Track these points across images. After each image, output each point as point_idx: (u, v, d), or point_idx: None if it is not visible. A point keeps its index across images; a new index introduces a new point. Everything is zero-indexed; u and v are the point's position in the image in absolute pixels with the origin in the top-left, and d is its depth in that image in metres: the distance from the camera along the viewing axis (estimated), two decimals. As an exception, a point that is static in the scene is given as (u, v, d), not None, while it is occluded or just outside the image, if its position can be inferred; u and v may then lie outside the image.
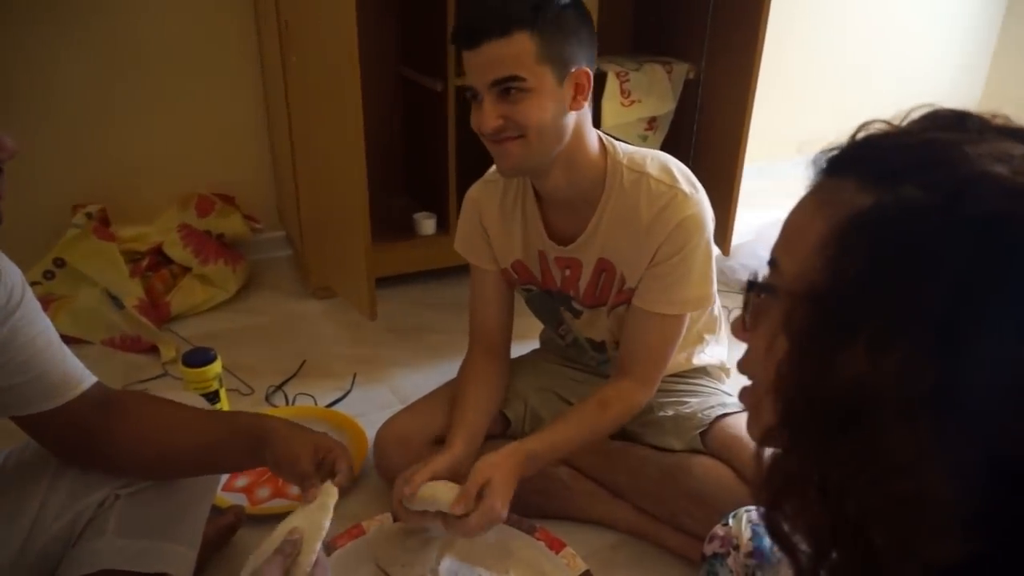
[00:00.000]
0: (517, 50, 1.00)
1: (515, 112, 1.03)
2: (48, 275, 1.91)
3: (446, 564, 1.16)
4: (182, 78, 2.15)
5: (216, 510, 1.17)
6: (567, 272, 1.23)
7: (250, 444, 0.97)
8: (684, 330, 1.19)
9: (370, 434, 1.47)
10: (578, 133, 1.10)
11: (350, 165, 1.72)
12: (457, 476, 1.10)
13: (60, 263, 1.90)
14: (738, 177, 2.20)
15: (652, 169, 1.13)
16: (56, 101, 2.01)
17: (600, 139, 1.15)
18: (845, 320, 0.43)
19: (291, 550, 0.82)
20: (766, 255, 1.79)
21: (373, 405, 1.65)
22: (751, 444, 1.12)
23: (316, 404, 1.65)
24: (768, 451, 0.51)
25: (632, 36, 2.54)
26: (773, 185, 3.19)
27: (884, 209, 0.43)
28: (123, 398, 0.99)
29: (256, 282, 2.21)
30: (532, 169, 1.12)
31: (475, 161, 1.83)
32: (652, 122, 2.27)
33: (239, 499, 1.33)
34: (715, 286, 1.18)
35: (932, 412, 0.40)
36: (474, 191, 1.29)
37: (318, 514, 0.86)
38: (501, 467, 1.07)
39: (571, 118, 1.07)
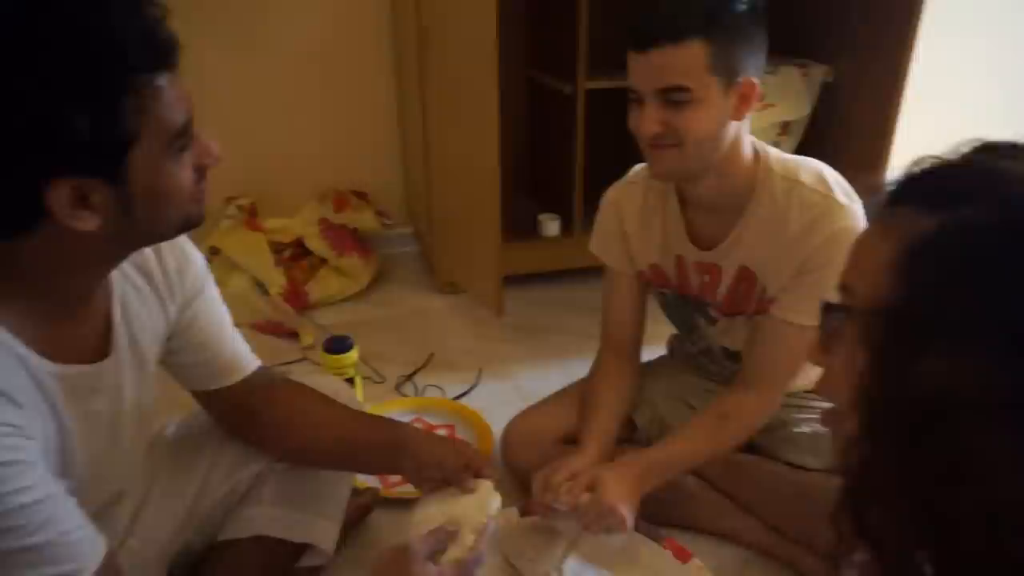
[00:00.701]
0: (687, 59, 0.98)
1: (676, 120, 1.01)
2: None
3: (571, 563, 1.17)
4: (323, 80, 2.28)
5: (353, 491, 1.23)
6: (706, 278, 1.21)
7: (388, 452, 1.02)
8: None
9: (495, 428, 1.51)
10: (735, 141, 1.07)
11: (484, 166, 1.77)
12: (569, 460, 1.12)
13: (215, 251, 2.05)
14: (881, 188, 2.09)
15: (806, 178, 1.09)
16: (211, 102, 2.16)
17: (753, 145, 1.13)
18: (921, 330, 0.46)
19: (443, 537, 0.86)
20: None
21: (497, 401, 1.68)
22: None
23: (444, 396, 1.71)
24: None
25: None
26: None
27: (948, 229, 0.47)
28: (279, 387, 1.06)
29: (385, 276, 2.31)
30: (684, 176, 1.11)
31: (602, 164, 1.84)
32: (785, 127, 2.19)
33: (373, 482, 1.40)
34: None
35: (1012, 414, 0.42)
36: (614, 192, 1.29)
37: (478, 512, 0.90)
38: (614, 468, 1.09)
39: (732, 128, 1.05)
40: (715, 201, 1.14)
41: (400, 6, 2.15)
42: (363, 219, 2.28)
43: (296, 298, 2.05)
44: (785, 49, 2.29)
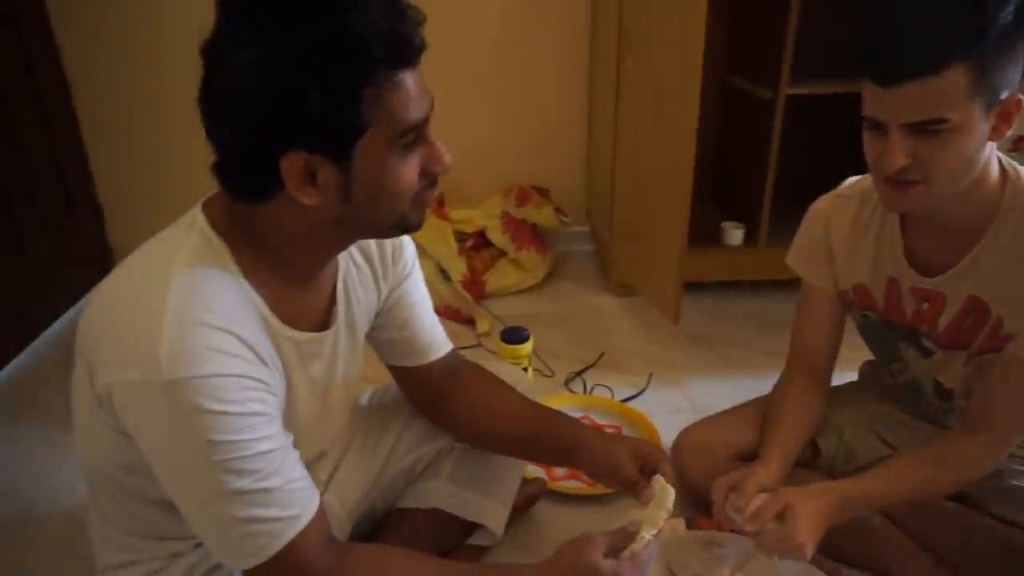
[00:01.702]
0: (947, 88, 0.85)
1: (927, 152, 0.89)
2: (395, 245, 2.21)
3: (737, 584, 1.13)
4: (515, 77, 2.34)
5: (523, 479, 1.26)
6: (924, 306, 1.10)
7: (564, 448, 1.05)
8: None
9: (662, 435, 1.49)
10: (985, 162, 0.95)
11: (676, 168, 1.74)
12: (755, 473, 1.07)
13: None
14: None
15: None
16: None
17: (1001, 161, 1.00)
18: None
19: (624, 536, 0.87)
20: None
21: (666, 408, 1.66)
22: None
23: (613, 397, 1.71)
24: None
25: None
26: None
27: None
28: (469, 373, 1.11)
29: (559, 272, 2.35)
30: (925, 210, 1.00)
31: (791, 174, 1.74)
32: (1017, 143, 1.96)
33: (540, 473, 1.43)
34: None
35: None
36: (824, 204, 1.20)
37: (657, 510, 0.91)
38: (808, 500, 1.00)
39: (986, 150, 0.93)
40: (948, 223, 1.02)
41: (602, 7, 2.16)
42: (543, 215, 2.32)
43: (475, 287, 2.13)
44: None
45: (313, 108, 0.67)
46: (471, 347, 1.93)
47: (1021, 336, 1.00)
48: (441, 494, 1.13)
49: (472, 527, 1.17)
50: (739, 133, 2.26)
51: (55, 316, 2.05)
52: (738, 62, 2.22)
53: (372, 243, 0.97)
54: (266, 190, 0.74)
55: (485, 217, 2.29)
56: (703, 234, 2.16)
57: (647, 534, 0.87)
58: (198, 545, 0.90)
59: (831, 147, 2.37)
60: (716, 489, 1.07)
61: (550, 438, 1.06)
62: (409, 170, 0.75)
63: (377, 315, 1.02)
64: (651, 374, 1.79)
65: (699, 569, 1.12)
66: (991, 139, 0.92)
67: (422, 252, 2.16)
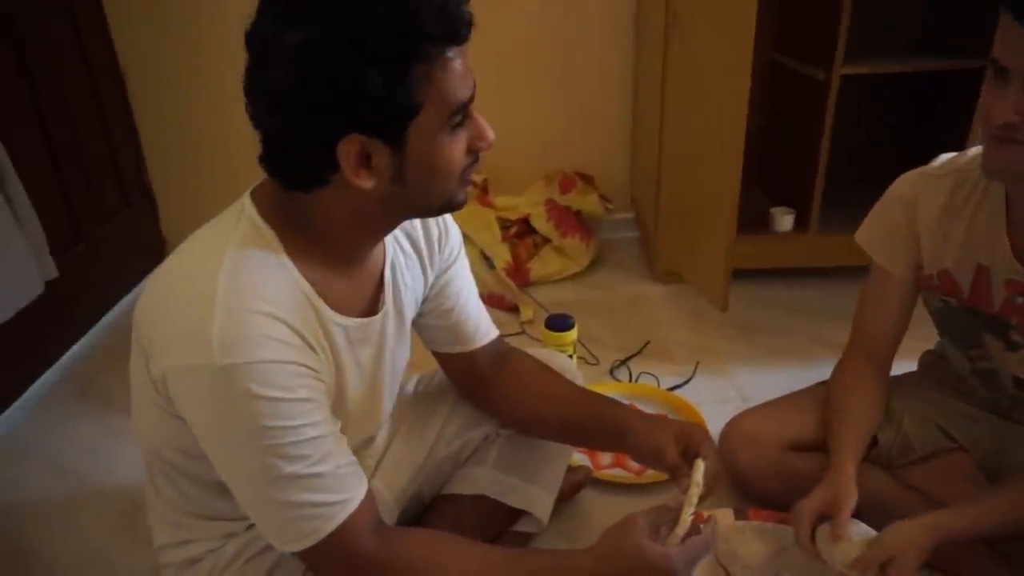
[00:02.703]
0: None
1: None
2: (439, 233, 2.22)
3: (788, 577, 1.11)
4: (559, 62, 2.31)
5: (568, 467, 1.26)
6: (1019, 300, 1.02)
7: (611, 433, 1.03)
8: None
9: (710, 425, 1.46)
10: None
11: (725, 155, 1.71)
12: (844, 488, 1.03)
13: (449, 223, 2.19)
14: None
15: None
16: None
17: None
18: None
19: (664, 512, 0.87)
20: None
21: (713, 397, 1.64)
22: None
23: (659, 385, 1.69)
24: None
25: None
26: None
27: None
28: (516, 359, 1.11)
29: (603, 260, 2.33)
30: (1022, 177, 0.94)
31: (846, 158, 1.69)
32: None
33: (584, 460, 1.42)
34: None
35: None
36: (910, 184, 1.11)
37: (691, 489, 0.89)
38: (915, 545, 0.95)
39: None
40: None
41: (647, -10, 2.13)
42: (587, 202, 2.30)
43: (518, 274, 2.13)
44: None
45: (370, 88, 0.67)
46: (515, 334, 1.93)
47: None
48: (487, 480, 1.14)
49: (518, 514, 1.17)
50: (790, 115, 2.20)
51: (112, 304, 2.12)
52: (789, 42, 2.16)
53: (419, 228, 0.97)
54: (319, 177, 0.74)
55: (529, 204, 2.28)
56: (751, 220, 2.12)
57: (687, 514, 0.86)
58: (250, 526, 0.92)
59: (885, 130, 2.31)
60: (801, 516, 1.02)
61: (597, 423, 1.05)
62: (459, 148, 0.76)
63: (424, 301, 1.02)
64: (697, 363, 1.76)
65: (748, 561, 1.10)
66: None
67: (466, 239, 2.13)
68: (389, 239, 0.93)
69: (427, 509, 1.16)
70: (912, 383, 1.26)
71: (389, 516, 1.06)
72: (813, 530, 1.03)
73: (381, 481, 1.06)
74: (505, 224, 2.23)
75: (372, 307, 0.91)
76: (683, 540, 0.85)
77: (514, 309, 2.04)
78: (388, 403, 1.02)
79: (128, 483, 1.46)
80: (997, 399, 1.16)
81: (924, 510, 1.09)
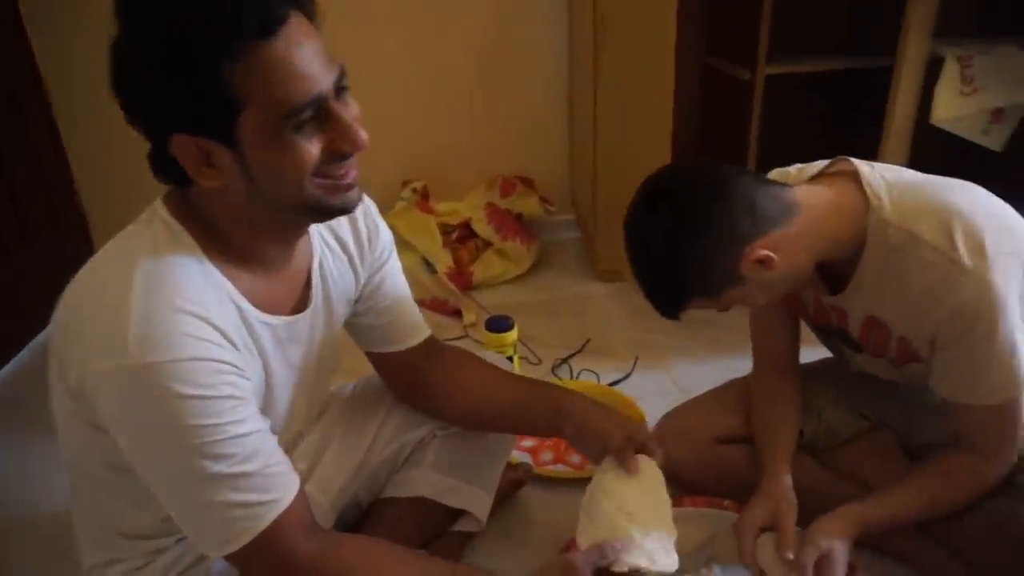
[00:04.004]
0: None
1: None
2: (380, 240, 2.22)
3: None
4: (496, 68, 2.34)
5: (508, 465, 1.27)
6: (835, 316, 1.10)
7: (551, 414, 1.03)
8: (1021, 407, 0.99)
9: (648, 418, 1.49)
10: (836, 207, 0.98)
11: (655, 156, 1.76)
12: (785, 500, 1.06)
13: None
14: None
15: (926, 231, 0.93)
16: (391, 90, 2.31)
17: (863, 190, 0.98)
18: None
19: (612, 555, 0.85)
20: None
21: (652, 390, 1.67)
22: None
23: (599, 381, 1.71)
24: None
25: (977, 11, 2.21)
26: None
27: None
28: (451, 353, 1.11)
29: (546, 261, 2.35)
30: None
31: (776, 157, 1.74)
32: (999, 113, 1.96)
33: (525, 458, 1.44)
34: (1023, 367, 0.95)
35: None
36: None
37: (665, 552, 0.88)
38: (841, 539, 0.99)
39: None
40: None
41: (578, -5, 2.17)
42: (528, 205, 2.33)
43: (461, 278, 2.14)
44: (1003, 24, 2.05)
45: (180, 88, 0.67)
46: (458, 338, 1.94)
47: (943, 382, 1.00)
48: (424, 482, 1.14)
49: (457, 514, 1.18)
50: (721, 116, 2.26)
51: (42, 326, 2.04)
52: (718, 44, 2.23)
53: (346, 228, 0.98)
54: (178, 175, 0.74)
55: (470, 209, 2.30)
56: (688, 217, 2.17)
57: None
58: (180, 540, 0.91)
59: (813, 128, 2.39)
60: (745, 532, 1.03)
61: (536, 406, 1.06)
62: (308, 149, 0.72)
63: (357, 300, 1.03)
64: (637, 358, 1.79)
65: (682, 547, 1.12)
66: None
67: (407, 246, 2.16)
68: (316, 238, 0.93)
69: (365, 514, 1.16)
70: (825, 371, 1.31)
71: (325, 522, 1.06)
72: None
73: (316, 487, 1.06)
74: (446, 229, 2.24)
75: (300, 306, 0.91)
76: None
77: (457, 313, 2.05)
78: (318, 401, 1.02)
79: (60, 506, 1.42)
80: (884, 384, 1.21)
81: (852, 491, 1.14)
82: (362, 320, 1.05)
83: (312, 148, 0.73)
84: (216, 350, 0.73)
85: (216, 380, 0.72)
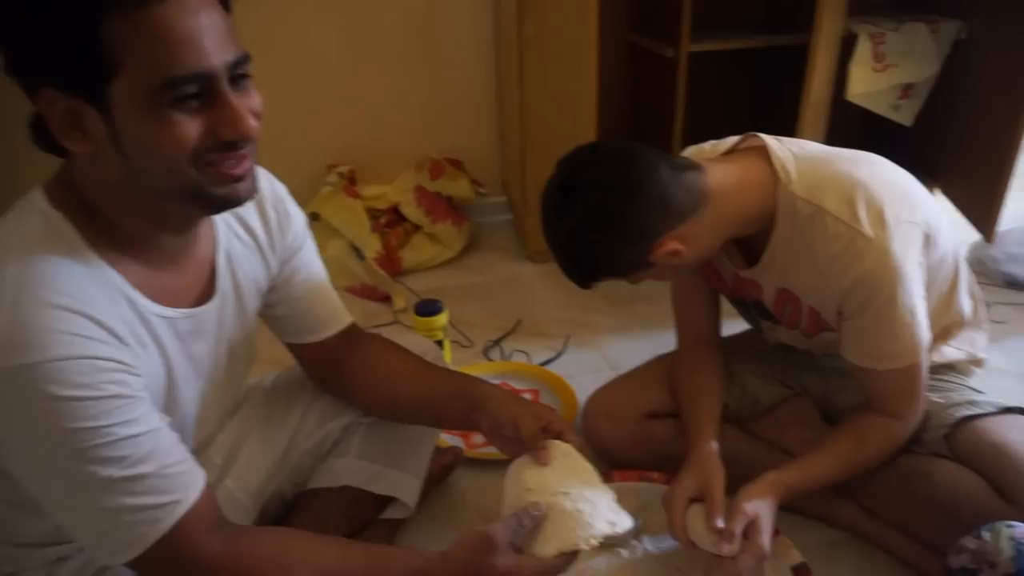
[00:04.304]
0: None
1: None
2: (306, 226, 2.15)
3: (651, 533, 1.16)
4: (422, 49, 2.30)
5: (437, 449, 1.25)
6: (751, 291, 1.14)
7: (465, 409, 1.00)
8: (924, 369, 1.04)
9: (580, 395, 1.50)
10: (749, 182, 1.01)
11: (580, 135, 1.75)
12: (713, 471, 1.07)
13: (315, 217, 2.13)
14: (1012, 155, 1.90)
15: (830, 202, 0.97)
16: (315, 72, 2.25)
17: (772, 165, 1.01)
18: None
19: (528, 523, 0.83)
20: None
21: (584, 368, 1.67)
22: (1018, 455, 0.99)
23: (531, 362, 1.71)
24: None
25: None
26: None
27: None
28: (368, 342, 1.08)
29: (477, 243, 2.33)
30: None
31: (701, 132, 1.77)
32: (908, 89, 2.03)
33: (457, 442, 1.42)
34: (926, 331, 1.01)
35: None
36: None
37: (585, 524, 0.83)
38: (766, 504, 1.01)
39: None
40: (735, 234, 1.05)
41: (501, -27, 2.14)
42: (458, 187, 2.30)
43: (390, 263, 2.10)
44: (913, 3, 2.12)
45: (51, 33, 0.62)
46: (388, 324, 1.90)
47: (851, 349, 1.04)
48: (350, 471, 1.11)
49: (386, 502, 1.16)
50: (647, 93, 2.28)
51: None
52: (642, 22, 2.23)
53: (255, 215, 0.93)
54: (47, 139, 0.69)
55: (398, 192, 2.25)
56: (617, 196, 2.18)
57: (571, 543, 0.82)
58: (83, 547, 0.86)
59: (738, 103, 2.43)
60: (674, 505, 1.04)
61: (452, 394, 1.03)
62: (181, 127, 0.67)
63: (269, 291, 0.99)
64: (568, 337, 1.80)
65: (612, 518, 1.13)
66: None
67: (334, 232, 2.11)
68: (221, 226, 0.89)
69: (291, 507, 1.13)
70: (746, 343, 1.34)
71: (246, 518, 1.02)
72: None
73: (234, 482, 1.02)
74: (374, 214, 2.20)
75: (204, 297, 0.87)
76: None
77: (387, 299, 2.01)
78: (231, 396, 0.98)
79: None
80: (802, 355, 1.25)
81: (776, 458, 1.17)
82: (277, 310, 1.01)
83: (190, 128, 0.68)
84: (96, 346, 0.68)
85: (98, 379, 0.68)
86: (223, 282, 0.89)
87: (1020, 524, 0.81)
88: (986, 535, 0.82)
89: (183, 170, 0.69)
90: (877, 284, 0.96)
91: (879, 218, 0.96)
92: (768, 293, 1.11)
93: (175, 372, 0.82)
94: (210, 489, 0.78)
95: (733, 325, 1.34)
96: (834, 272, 0.98)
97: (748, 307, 1.21)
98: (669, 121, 2.03)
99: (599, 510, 0.86)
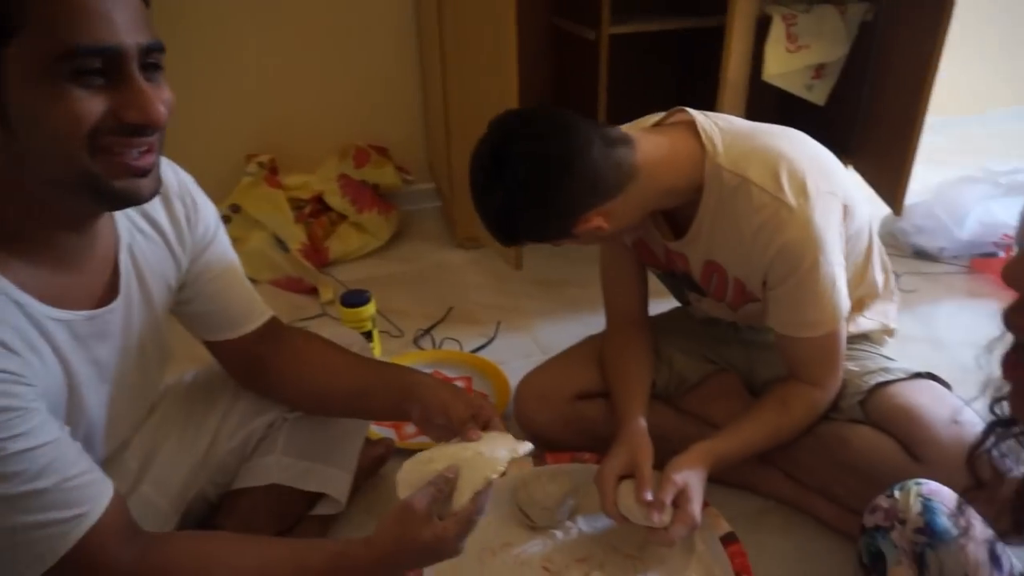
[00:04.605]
0: None
1: None
2: (225, 219, 2.06)
3: (584, 513, 1.17)
4: (342, 35, 2.24)
5: (368, 441, 1.23)
6: (679, 263, 1.16)
7: (396, 398, 0.99)
8: (843, 337, 1.08)
9: (512, 381, 1.50)
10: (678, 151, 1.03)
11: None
12: (641, 446, 1.08)
13: (235, 208, 2.05)
14: (917, 132, 2.00)
15: (756, 173, 1.00)
16: (232, 60, 2.16)
17: (699, 137, 1.03)
18: None
19: (444, 486, 0.82)
20: (944, 217, 1.65)
21: (515, 353, 1.67)
22: (926, 416, 1.04)
23: (462, 349, 1.70)
24: None
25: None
26: (950, 143, 2.89)
27: None
28: (292, 336, 1.05)
29: (406, 231, 2.30)
30: None
31: (625, 113, 1.78)
32: (820, 70, 2.09)
33: (388, 433, 1.40)
34: (845, 300, 1.05)
35: None
36: None
37: (488, 460, 0.84)
38: (694, 473, 1.03)
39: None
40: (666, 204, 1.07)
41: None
42: (383, 175, 2.25)
43: (316, 255, 2.05)
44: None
45: None
46: (315, 317, 1.86)
47: (772, 316, 1.08)
48: (277, 468, 1.08)
49: (316, 498, 1.13)
50: (571, 76, 2.28)
51: None
52: (564, 5, 2.23)
53: (160, 208, 0.88)
54: None
55: (322, 181, 2.19)
56: (544, 180, 2.18)
57: (472, 487, 0.82)
58: None
59: (661, 85, 2.46)
60: (605, 480, 1.05)
61: (381, 388, 1.01)
62: (79, 104, 0.62)
63: (181, 287, 0.94)
64: (499, 323, 1.79)
65: (545, 503, 1.14)
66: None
67: (255, 223, 2.04)
68: (123, 222, 0.84)
69: (216, 508, 1.09)
70: (673, 322, 1.37)
71: (166, 523, 0.98)
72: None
73: (152, 487, 0.98)
74: (298, 204, 2.13)
75: (107, 298, 0.82)
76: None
77: (314, 291, 1.96)
78: (143, 399, 0.93)
79: None
80: (728, 330, 1.29)
81: (704, 432, 1.19)
82: (191, 307, 0.96)
83: (90, 105, 0.63)
84: None
85: None
86: (127, 281, 0.84)
87: (928, 481, 0.85)
88: (897, 493, 0.85)
89: (76, 154, 0.64)
90: (800, 253, 0.99)
91: (802, 189, 0.99)
92: (695, 266, 1.13)
93: (76, 378, 0.78)
94: (121, 498, 0.75)
95: (660, 304, 1.36)
96: (759, 243, 1.01)
97: (678, 280, 1.22)
98: (592, 104, 2.03)
99: (498, 445, 0.87)
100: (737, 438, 1.10)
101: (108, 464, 0.91)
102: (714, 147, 1.02)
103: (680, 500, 1.00)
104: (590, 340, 1.35)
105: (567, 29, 2.16)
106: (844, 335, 1.09)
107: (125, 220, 0.84)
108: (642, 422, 1.13)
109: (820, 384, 1.11)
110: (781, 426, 1.11)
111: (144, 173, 0.69)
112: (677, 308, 1.39)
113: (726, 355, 1.30)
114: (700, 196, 1.04)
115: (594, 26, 1.98)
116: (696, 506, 1.00)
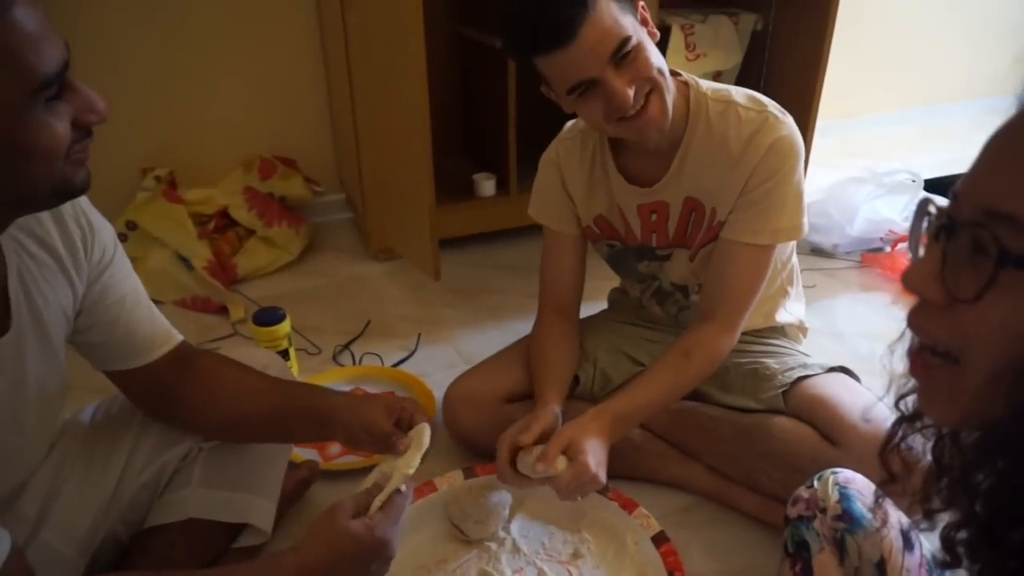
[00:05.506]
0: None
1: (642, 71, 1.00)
2: (121, 237, 1.93)
3: (518, 522, 1.16)
4: (243, 43, 2.16)
5: (291, 465, 1.18)
6: (654, 217, 1.20)
7: (317, 422, 0.97)
8: (770, 268, 1.15)
9: (436, 393, 1.48)
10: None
11: (413, 127, 1.71)
12: (542, 416, 1.09)
13: (132, 226, 1.94)
14: (809, 135, 2.12)
15: (739, 97, 1.10)
16: (124, 67, 2.05)
17: (678, 74, 1.13)
18: None
19: (374, 490, 0.83)
20: (836, 215, 1.76)
21: (438, 364, 1.65)
22: (841, 405, 1.09)
23: (383, 364, 1.66)
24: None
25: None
26: (839, 145, 3.08)
27: None
28: (201, 361, 0.99)
29: (318, 245, 2.24)
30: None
31: (534, 120, 1.80)
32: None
33: (312, 455, 1.35)
34: (806, 217, 1.13)
35: None
36: (552, 152, 1.25)
37: (412, 452, 0.88)
38: (587, 429, 1.04)
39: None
40: (659, 139, 1.10)
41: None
42: (291, 187, 2.19)
43: (223, 272, 1.96)
44: (716, -2, 2.28)
45: None
46: (227, 337, 1.78)
47: (730, 222, 1.13)
48: (193, 501, 1.02)
49: (239, 529, 1.08)
50: (480, 84, 2.28)
51: None
52: (470, 13, 2.23)
53: (53, 231, 0.81)
54: None
55: (226, 195, 2.10)
56: (458, 188, 2.17)
57: (400, 478, 0.84)
58: None
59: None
60: (501, 444, 1.06)
61: (300, 411, 0.98)
62: (61, 125, 0.66)
63: (78, 315, 0.87)
64: (420, 334, 1.77)
65: (479, 516, 1.13)
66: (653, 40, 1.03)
67: (155, 241, 1.94)
68: (10, 247, 0.77)
69: (128, 549, 1.02)
70: (602, 321, 1.40)
71: (72, 571, 0.91)
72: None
73: (53, 534, 0.90)
74: (200, 219, 2.04)
75: None
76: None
77: (223, 310, 1.88)
78: (41, 440, 0.86)
79: None
80: (674, 314, 1.33)
81: (629, 434, 1.22)
82: (90, 336, 0.89)
83: (64, 123, 0.66)
84: None
85: None
86: (18, 311, 0.77)
87: (843, 469, 0.90)
88: (816, 484, 0.89)
89: (60, 166, 0.67)
90: (787, 152, 1.08)
91: (780, 109, 1.10)
92: (675, 209, 1.18)
93: None
94: (19, 551, 0.68)
95: (589, 307, 1.39)
96: (749, 151, 1.08)
97: (635, 257, 1.26)
98: (503, 112, 2.04)
99: (421, 438, 0.90)
100: (635, 392, 1.12)
101: (2, 512, 0.83)
102: (696, 83, 1.12)
103: (571, 452, 1.02)
104: (518, 344, 1.35)
105: (475, 37, 2.16)
106: (771, 268, 1.15)
107: (13, 245, 0.77)
108: (555, 407, 1.14)
109: (728, 324, 1.14)
110: (680, 378, 1.14)
111: (85, 161, 0.72)
112: (605, 310, 1.42)
113: (652, 353, 1.32)
114: (683, 131, 1.11)
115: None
116: (590, 458, 1.01)
